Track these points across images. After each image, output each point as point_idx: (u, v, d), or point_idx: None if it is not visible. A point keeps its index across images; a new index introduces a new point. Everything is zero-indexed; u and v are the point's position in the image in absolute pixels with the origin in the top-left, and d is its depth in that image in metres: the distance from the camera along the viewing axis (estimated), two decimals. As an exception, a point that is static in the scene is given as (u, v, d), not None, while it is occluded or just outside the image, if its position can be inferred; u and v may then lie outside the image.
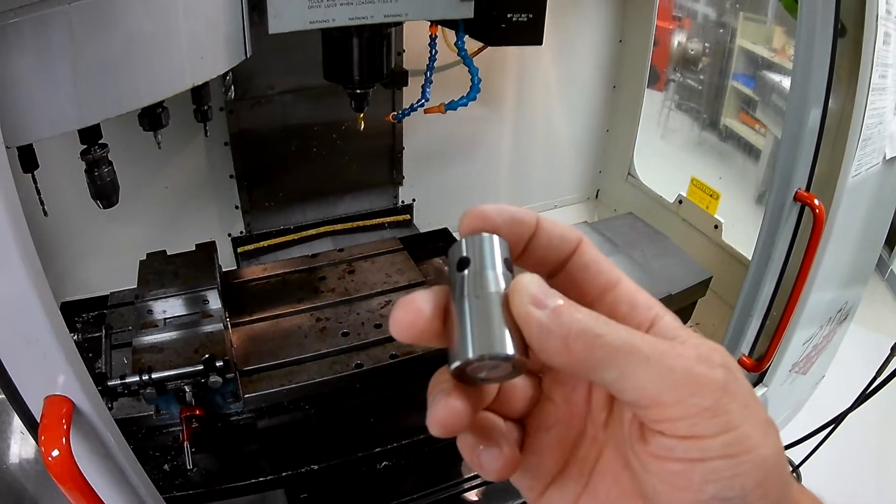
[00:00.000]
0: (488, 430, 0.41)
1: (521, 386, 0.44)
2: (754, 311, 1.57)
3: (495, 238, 0.38)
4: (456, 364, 0.36)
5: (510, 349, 0.35)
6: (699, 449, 0.33)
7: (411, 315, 0.38)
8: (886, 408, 2.49)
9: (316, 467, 1.36)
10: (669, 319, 0.39)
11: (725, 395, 0.33)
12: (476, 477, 1.43)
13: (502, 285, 0.37)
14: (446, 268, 0.39)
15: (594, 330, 0.34)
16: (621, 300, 0.40)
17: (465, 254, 0.38)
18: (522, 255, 0.40)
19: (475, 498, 1.42)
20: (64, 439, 0.71)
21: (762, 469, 0.33)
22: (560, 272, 0.41)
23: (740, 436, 0.33)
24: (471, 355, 0.35)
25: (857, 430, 1.82)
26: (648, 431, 0.35)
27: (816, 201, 1.41)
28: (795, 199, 1.42)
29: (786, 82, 3.63)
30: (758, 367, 1.67)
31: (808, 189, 1.43)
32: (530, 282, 0.36)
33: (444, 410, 0.37)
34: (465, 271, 0.38)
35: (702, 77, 4.36)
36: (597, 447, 0.42)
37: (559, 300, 0.35)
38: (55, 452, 0.70)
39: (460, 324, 0.36)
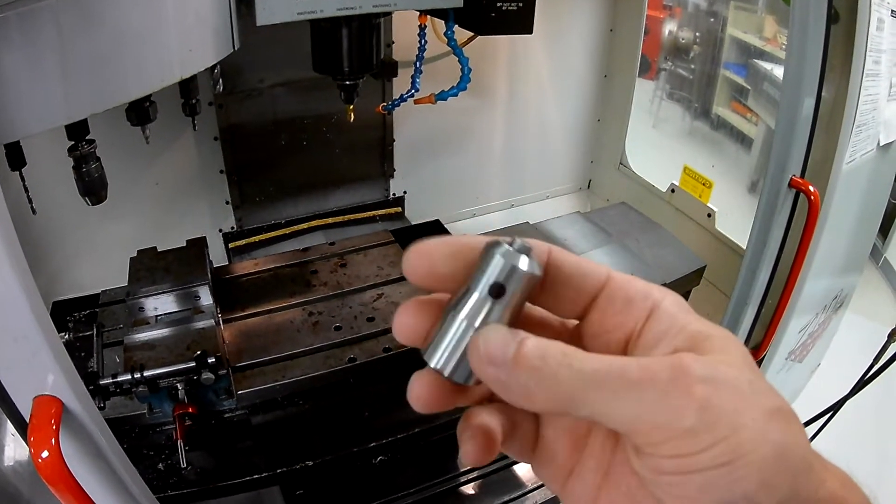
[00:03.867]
0: (473, 419, 0.41)
1: None
2: (750, 300, 1.57)
3: (500, 262, 0.36)
4: (426, 360, 0.38)
5: (466, 381, 0.37)
6: (688, 465, 0.32)
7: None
8: (882, 395, 2.50)
9: (311, 463, 1.35)
10: (669, 304, 0.38)
11: (706, 412, 0.32)
12: (472, 471, 1.43)
13: (481, 316, 0.37)
14: None
15: (555, 377, 0.34)
16: (615, 297, 0.39)
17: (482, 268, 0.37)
18: None
19: (471, 491, 1.42)
20: (53, 440, 0.70)
21: (763, 468, 0.32)
22: (542, 291, 0.40)
23: (732, 444, 0.31)
24: (435, 365, 0.37)
25: (853, 418, 1.83)
26: (640, 451, 0.35)
27: (811, 188, 1.41)
28: (790, 185, 1.42)
29: (777, 71, 3.63)
30: (754, 356, 1.67)
31: (802, 176, 1.43)
32: (488, 338, 0.35)
33: (418, 385, 0.38)
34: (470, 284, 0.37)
35: (693, 66, 4.36)
36: (613, 438, 0.41)
37: (521, 347, 0.34)
38: (44, 453, 0.69)
39: (441, 326, 0.37)
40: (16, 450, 1.07)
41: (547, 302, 0.40)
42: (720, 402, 0.32)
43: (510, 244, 0.37)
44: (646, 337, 0.37)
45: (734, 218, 2.29)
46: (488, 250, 0.37)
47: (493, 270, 0.36)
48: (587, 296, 0.40)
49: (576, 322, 0.42)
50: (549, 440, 0.43)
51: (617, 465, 0.40)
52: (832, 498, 0.35)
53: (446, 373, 0.37)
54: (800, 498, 0.33)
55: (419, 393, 0.38)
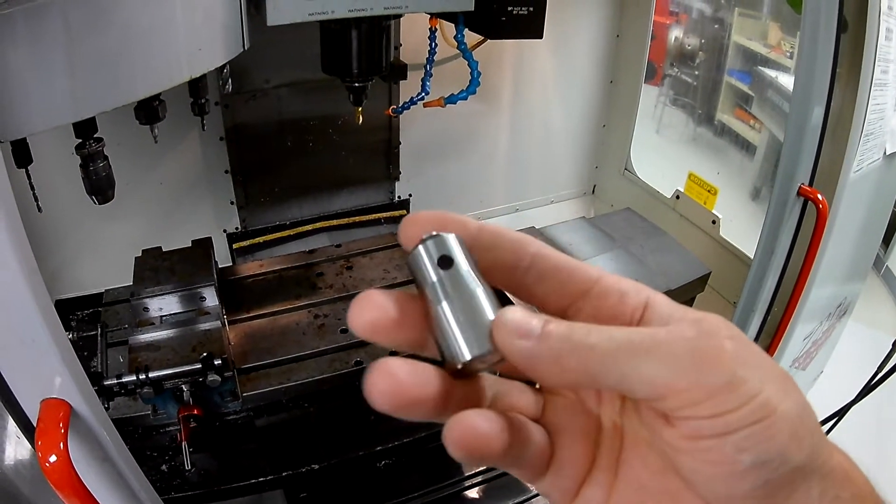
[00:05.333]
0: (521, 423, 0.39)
1: (525, 391, 0.43)
2: (756, 307, 1.56)
3: (456, 237, 0.38)
4: (458, 366, 0.36)
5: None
6: (726, 423, 0.32)
7: (372, 311, 0.37)
8: (885, 403, 2.49)
9: (315, 467, 1.35)
10: (661, 299, 0.38)
11: (740, 366, 0.32)
12: (476, 475, 1.42)
13: (480, 284, 0.37)
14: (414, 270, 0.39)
15: (585, 342, 0.34)
16: (608, 292, 0.38)
17: (444, 252, 0.37)
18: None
19: (475, 496, 1.41)
20: (61, 444, 0.69)
21: (791, 422, 0.32)
22: (524, 282, 0.39)
23: (763, 400, 0.32)
24: (468, 357, 0.35)
25: (856, 426, 1.82)
26: (673, 417, 0.34)
27: (820, 196, 1.41)
28: (798, 194, 1.42)
29: (781, 78, 3.63)
30: (759, 363, 1.66)
31: (811, 184, 1.42)
32: (512, 315, 0.35)
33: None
34: (448, 270, 0.37)
35: (697, 72, 4.35)
36: (618, 434, 0.41)
37: (546, 325, 0.34)
38: (53, 458, 0.68)
39: (451, 324, 0.36)
40: (17, 449, 1.06)
41: (536, 292, 0.40)
42: (747, 357, 0.33)
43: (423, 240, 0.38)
44: (647, 323, 0.37)
45: (738, 225, 2.29)
46: (419, 246, 0.38)
47: (441, 249, 0.37)
48: (578, 289, 0.39)
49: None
50: (565, 449, 0.41)
51: (626, 462, 0.40)
52: (841, 468, 0.35)
53: (484, 349, 0.35)
54: (817, 461, 0.34)
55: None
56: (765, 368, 0.33)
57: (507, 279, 0.39)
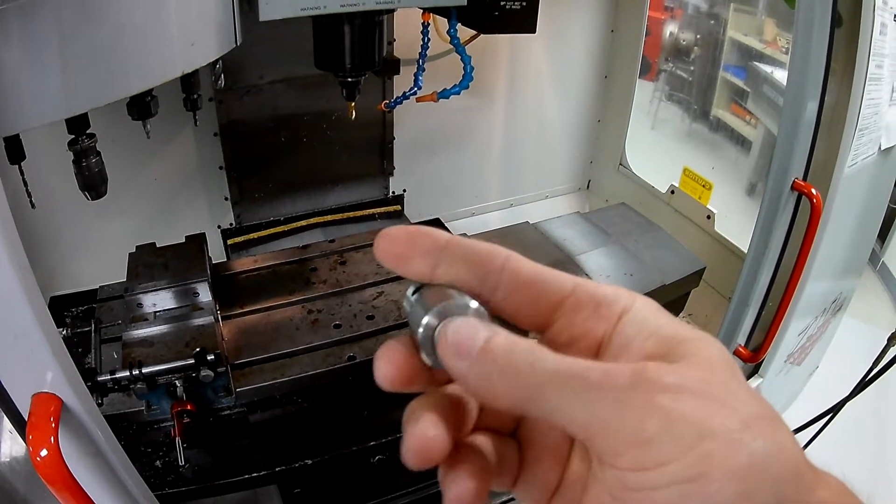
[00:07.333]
0: (459, 454, 0.38)
1: None
2: (751, 302, 1.57)
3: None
4: (419, 330, 0.36)
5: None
6: (653, 479, 0.30)
7: (393, 367, 0.38)
8: (880, 399, 2.50)
9: (309, 462, 1.35)
10: (640, 307, 0.37)
11: (669, 422, 0.30)
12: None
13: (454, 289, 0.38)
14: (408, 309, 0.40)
15: (516, 372, 0.33)
16: (583, 303, 0.37)
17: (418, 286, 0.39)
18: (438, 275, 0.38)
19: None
20: (52, 438, 0.69)
21: (739, 479, 0.29)
22: (493, 297, 0.38)
23: (700, 455, 0.29)
24: (430, 316, 0.36)
25: (850, 421, 1.82)
26: (602, 462, 0.33)
27: (814, 190, 1.41)
28: (793, 188, 1.42)
29: (777, 74, 3.63)
30: (754, 358, 1.67)
31: (805, 179, 1.42)
32: (457, 328, 0.35)
33: (416, 439, 0.36)
34: (421, 290, 0.39)
35: (693, 68, 4.36)
36: (588, 452, 0.39)
37: (490, 340, 0.34)
38: (43, 452, 0.68)
39: (416, 310, 0.37)
40: (12, 447, 1.06)
41: (508, 304, 0.38)
42: (686, 411, 0.30)
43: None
44: (615, 342, 0.36)
45: (733, 220, 2.29)
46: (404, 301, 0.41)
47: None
48: (552, 301, 0.38)
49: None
50: (537, 457, 0.41)
51: (593, 479, 0.38)
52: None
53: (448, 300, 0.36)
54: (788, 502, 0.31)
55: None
56: (716, 419, 0.30)
57: (477, 295, 0.38)
